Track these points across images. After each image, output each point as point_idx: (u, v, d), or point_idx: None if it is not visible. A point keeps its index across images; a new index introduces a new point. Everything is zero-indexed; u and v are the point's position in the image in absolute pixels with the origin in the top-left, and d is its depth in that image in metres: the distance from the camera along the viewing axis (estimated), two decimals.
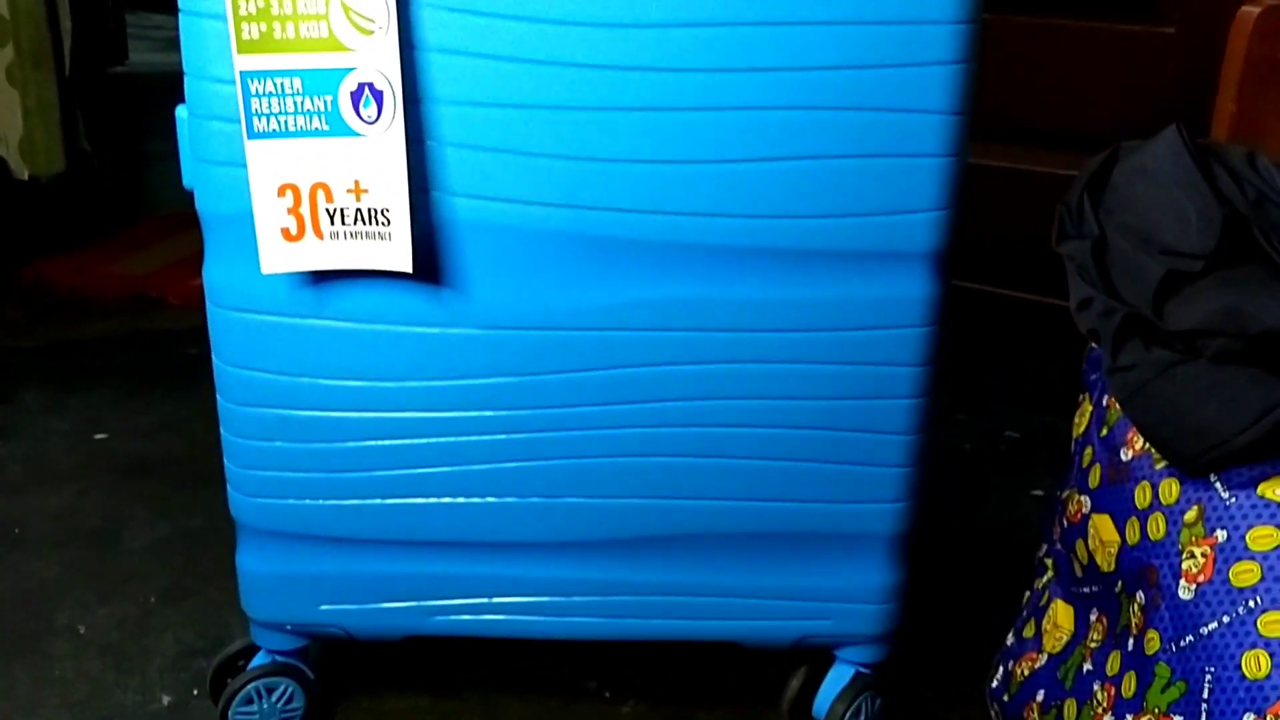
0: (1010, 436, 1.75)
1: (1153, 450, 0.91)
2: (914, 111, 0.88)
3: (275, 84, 0.84)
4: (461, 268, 0.92)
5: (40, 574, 1.37)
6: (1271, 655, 0.78)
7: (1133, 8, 1.71)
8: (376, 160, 0.86)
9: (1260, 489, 0.83)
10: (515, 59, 0.86)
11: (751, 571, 1.04)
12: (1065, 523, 1.03)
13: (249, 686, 1.09)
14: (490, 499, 1.00)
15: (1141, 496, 0.91)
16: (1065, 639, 1.04)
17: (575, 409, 0.96)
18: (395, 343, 0.94)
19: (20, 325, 2.04)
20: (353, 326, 0.94)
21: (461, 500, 1.00)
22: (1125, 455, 0.94)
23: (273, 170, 0.87)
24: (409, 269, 0.89)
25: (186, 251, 2.25)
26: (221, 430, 1.00)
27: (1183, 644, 0.84)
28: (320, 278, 0.92)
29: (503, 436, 0.97)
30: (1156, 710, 0.85)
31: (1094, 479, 0.99)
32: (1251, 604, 0.80)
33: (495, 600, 1.04)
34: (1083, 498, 1.00)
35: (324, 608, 1.05)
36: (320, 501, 1.00)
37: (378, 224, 0.88)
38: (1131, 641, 0.91)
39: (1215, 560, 0.84)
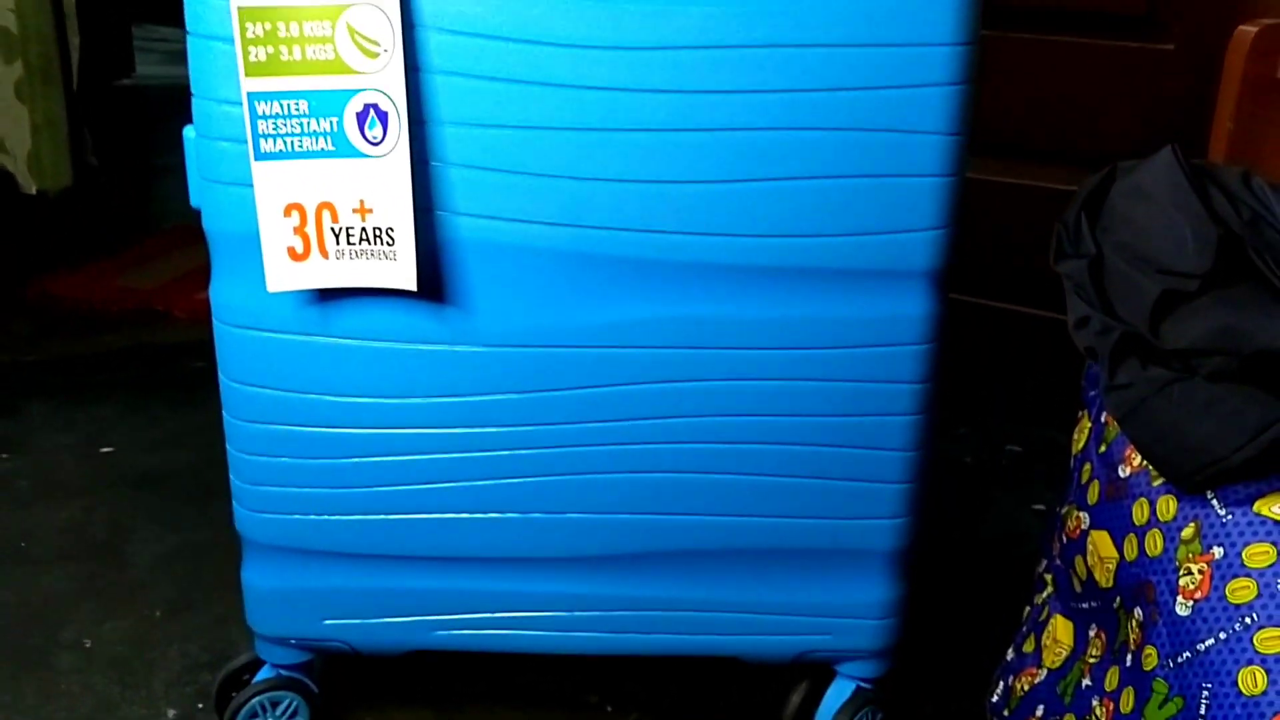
0: (1012, 450, 1.76)
1: (1150, 467, 0.92)
2: (912, 132, 0.89)
3: (282, 106, 0.86)
4: (465, 286, 0.93)
5: (47, 588, 1.38)
6: (1268, 671, 0.79)
7: (1133, 25, 1.72)
8: (381, 180, 0.87)
9: (1256, 506, 0.84)
10: (518, 81, 0.87)
11: (753, 587, 1.04)
12: (1064, 538, 1.04)
13: (254, 700, 1.10)
14: (493, 514, 1.01)
15: (1139, 513, 0.92)
16: (1065, 654, 1.04)
17: (577, 425, 0.97)
18: (399, 360, 0.95)
19: (27, 339, 2.05)
20: (357, 344, 0.95)
21: (464, 516, 1.01)
22: (1123, 472, 0.95)
23: (279, 190, 0.88)
24: (413, 287, 0.90)
25: (192, 265, 2.27)
26: (228, 446, 1.01)
27: (1180, 660, 0.85)
28: (326, 296, 0.93)
29: (505, 453, 0.98)
30: None
31: (1092, 495, 0.99)
32: (1248, 620, 0.81)
33: (497, 615, 1.05)
34: (1081, 514, 1.01)
35: (328, 622, 1.06)
36: (325, 517, 1.01)
37: (382, 243, 0.89)
38: (1130, 657, 0.92)
39: (1212, 577, 0.84)
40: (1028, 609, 1.15)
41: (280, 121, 0.86)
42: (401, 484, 1.00)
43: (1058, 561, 1.06)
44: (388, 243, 0.89)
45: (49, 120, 2.29)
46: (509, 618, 1.05)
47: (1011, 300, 1.86)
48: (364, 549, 1.02)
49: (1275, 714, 0.78)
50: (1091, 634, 1.00)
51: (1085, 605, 1.01)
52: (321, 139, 0.86)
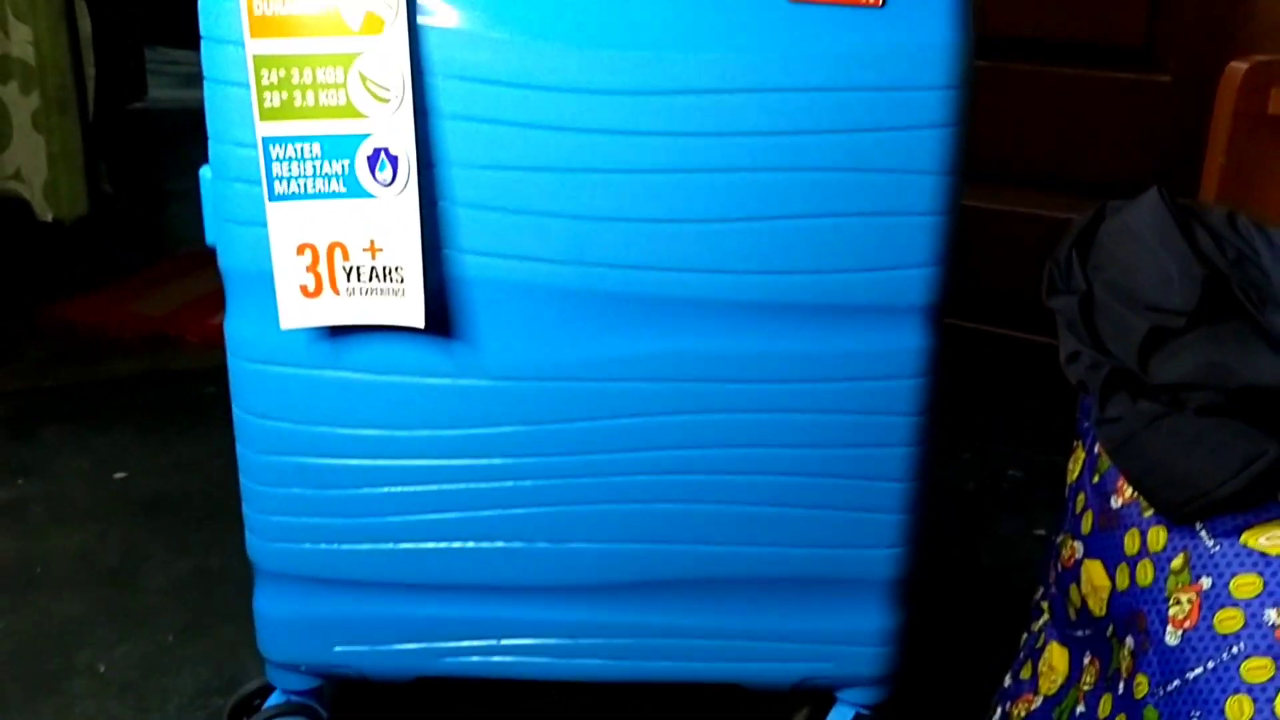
0: (1014, 476, 1.77)
1: (1141, 498, 0.94)
2: (906, 172, 0.91)
3: (295, 149, 0.89)
4: (471, 322, 0.95)
5: (62, 612, 1.40)
6: (1254, 700, 0.81)
7: (1131, 56, 1.74)
8: (391, 221, 0.90)
9: (1244, 538, 0.86)
10: (522, 125, 0.89)
11: (753, 615, 1.06)
12: (1060, 567, 1.06)
13: None
14: (499, 544, 1.03)
15: (1131, 543, 0.94)
16: (1060, 681, 1.06)
17: (581, 457, 0.99)
18: (408, 393, 0.98)
19: (42, 365, 2.08)
20: (368, 378, 0.97)
21: (471, 545, 1.03)
22: (1115, 502, 0.97)
23: (292, 230, 0.90)
24: (421, 324, 0.93)
25: (204, 290, 2.29)
26: (241, 478, 1.03)
27: (1170, 688, 0.87)
28: (337, 331, 0.96)
29: (511, 483, 1.00)
30: None
31: (1086, 525, 1.01)
32: (1235, 650, 0.83)
33: (504, 642, 1.07)
34: (1075, 543, 1.02)
35: (338, 649, 1.08)
36: (336, 546, 1.03)
37: (392, 281, 0.92)
38: (1122, 685, 0.93)
39: (1200, 607, 0.86)
40: (1025, 635, 1.17)
41: (294, 164, 0.89)
42: (410, 513, 1.02)
43: (1053, 589, 1.08)
44: (397, 280, 0.92)
45: (65, 150, 2.32)
46: (515, 644, 1.07)
47: (1013, 326, 1.88)
48: (374, 577, 1.04)
49: None
50: (1086, 661, 1.02)
51: (1080, 633, 1.03)
52: (333, 181, 0.89)
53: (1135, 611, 0.92)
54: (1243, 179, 1.23)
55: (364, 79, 0.87)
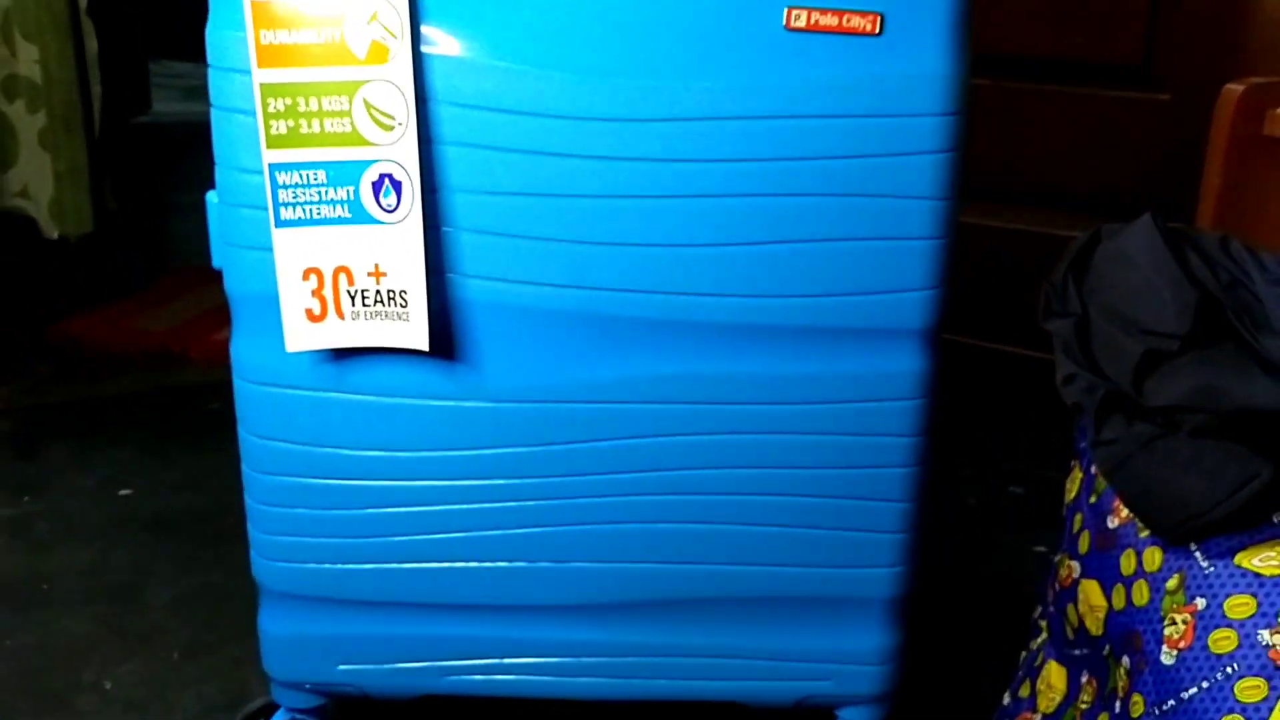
0: (1014, 492, 1.78)
1: (1137, 519, 0.95)
2: (904, 198, 0.92)
3: (301, 175, 0.90)
4: (475, 345, 0.97)
5: (68, 630, 1.41)
6: None
7: (1130, 75, 1.76)
8: (395, 246, 0.91)
9: (1237, 559, 0.87)
10: (526, 151, 0.91)
11: (754, 633, 1.07)
12: (1057, 586, 1.07)
13: None
14: (501, 563, 1.04)
15: (1127, 564, 0.95)
16: (1058, 700, 1.07)
17: (582, 478, 1.00)
18: (412, 415, 0.99)
19: (47, 382, 2.09)
20: (372, 400, 0.99)
21: (474, 565, 1.04)
22: (1112, 523, 0.98)
23: (298, 255, 0.92)
24: (425, 347, 0.94)
25: (208, 306, 2.31)
26: (246, 498, 1.04)
27: (1165, 708, 0.87)
28: (341, 354, 0.97)
29: (513, 504, 1.02)
30: None
31: (1083, 545, 1.02)
32: (1229, 670, 0.84)
33: (506, 661, 1.08)
34: (1073, 563, 1.03)
35: (342, 668, 1.09)
36: (340, 566, 1.04)
37: (396, 305, 0.93)
38: (1119, 704, 0.94)
39: (1195, 627, 0.87)
40: (1024, 654, 1.17)
41: (299, 190, 0.90)
42: (414, 534, 1.03)
43: (1052, 608, 1.09)
44: (401, 304, 0.93)
45: (71, 168, 2.34)
46: (517, 663, 1.08)
47: (1013, 342, 1.89)
48: (377, 596, 1.05)
49: None
50: (1083, 680, 1.03)
51: (1077, 652, 1.04)
52: (339, 207, 0.91)
53: (1131, 631, 0.93)
54: (1239, 200, 1.25)
55: (369, 107, 0.88)
